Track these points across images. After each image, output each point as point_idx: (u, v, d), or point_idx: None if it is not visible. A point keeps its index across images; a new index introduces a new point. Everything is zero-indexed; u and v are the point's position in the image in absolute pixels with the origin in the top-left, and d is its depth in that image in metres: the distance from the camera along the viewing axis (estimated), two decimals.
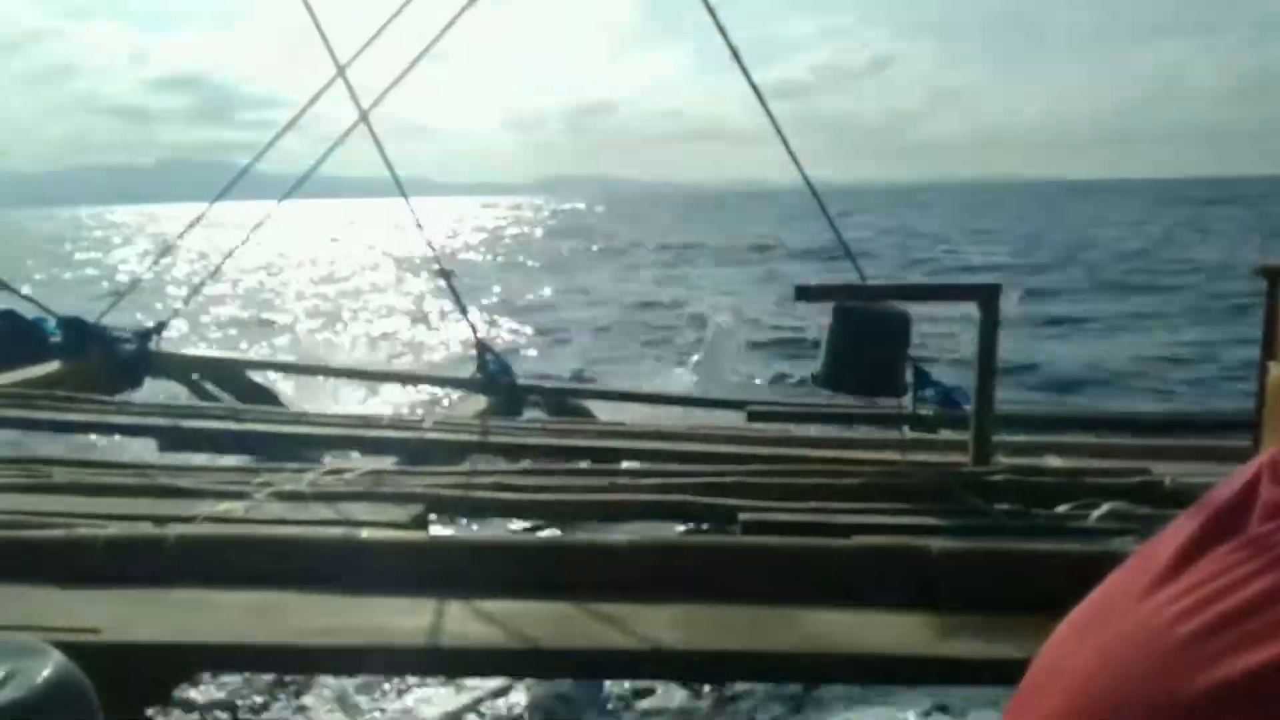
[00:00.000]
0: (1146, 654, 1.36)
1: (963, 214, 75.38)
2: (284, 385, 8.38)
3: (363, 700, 4.18)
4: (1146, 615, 1.40)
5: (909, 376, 4.98)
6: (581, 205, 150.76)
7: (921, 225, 58.22)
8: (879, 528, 3.56)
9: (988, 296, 4.19)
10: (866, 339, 4.36)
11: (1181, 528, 1.53)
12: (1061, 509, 3.70)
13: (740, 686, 4.17)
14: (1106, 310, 20.72)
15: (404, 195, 7.22)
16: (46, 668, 2.09)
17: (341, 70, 6.74)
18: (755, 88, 6.02)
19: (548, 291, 27.73)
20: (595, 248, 47.89)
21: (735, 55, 5.94)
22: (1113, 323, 19.04)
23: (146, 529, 3.53)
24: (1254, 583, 1.29)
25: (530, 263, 39.68)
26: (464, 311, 7.56)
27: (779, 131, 6.03)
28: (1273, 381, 3.84)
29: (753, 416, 6.30)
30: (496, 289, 27.58)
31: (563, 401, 7.38)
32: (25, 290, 7.95)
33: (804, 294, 4.46)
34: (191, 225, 7.32)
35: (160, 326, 7.60)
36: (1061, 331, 18.28)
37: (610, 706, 4.20)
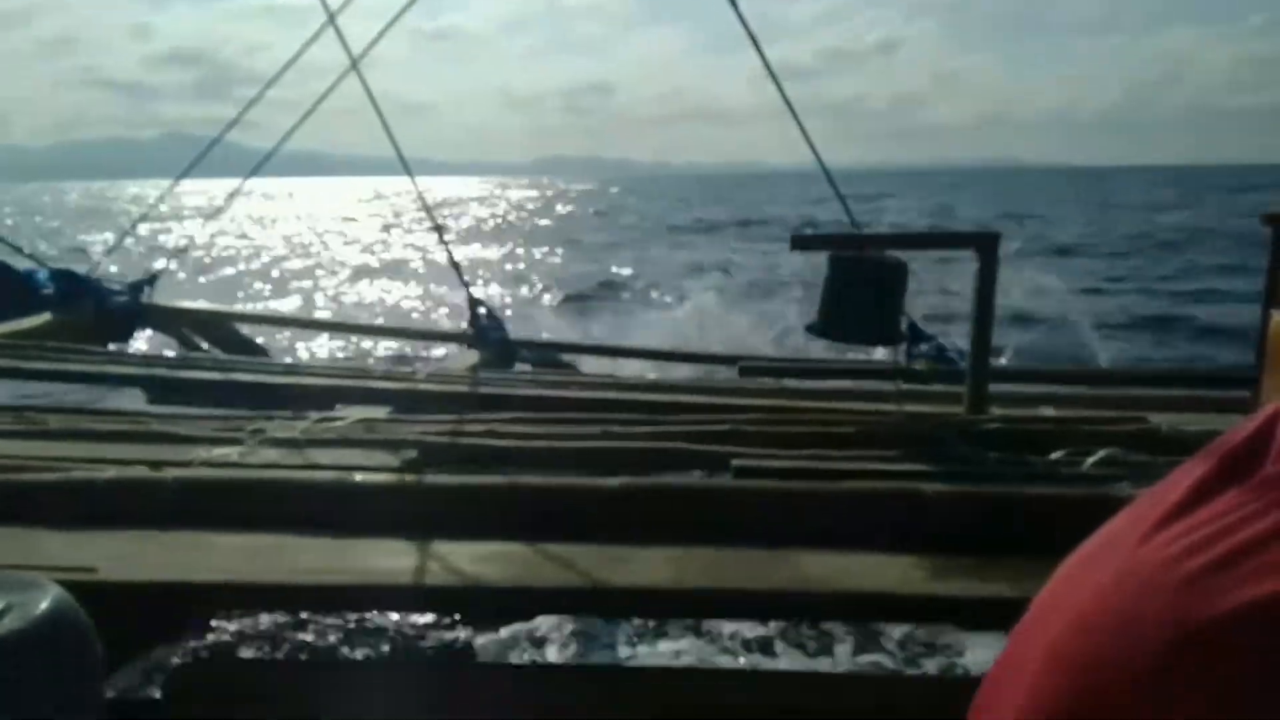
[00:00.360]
0: (1150, 590, 1.37)
1: (997, 197, 73.91)
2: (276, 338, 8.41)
3: (360, 638, 4.22)
4: (1152, 552, 1.42)
5: (904, 328, 5.00)
6: (592, 186, 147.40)
7: (962, 210, 57.17)
8: (872, 474, 3.59)
9: (985, 245, 4.20)
10: (862, 288, 4.38)
11: (1192, 469, 1.54)
12: (1056, 455, 3.72)
13: (731, 626, 4.21)
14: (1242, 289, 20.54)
15: (408, 171, 7.24)
16: (45, 600, 2.11)
17: (332, 18, 6.71)
18: (766, 62, 6.01)
19: (681, 267, 26.09)
20: (668, 224, 46.48)
21: (746, 27, 5.92)
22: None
23: (142, 472, 3.55)
24: (1264, 519, 1.30)
25: (610, 238, 38.53)
26: (455, 266, 7.55)
27: (791, 109, 6.01)
28: (1275, 329, 3.86)
29: (744, 372, 6.32)
30: (625, 266, 26.71)
31: (555, 357, 7.39)
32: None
33: (800, 244, 4.46)
34: (164, 194, 7.36)
35: (152, 279, 7.60)
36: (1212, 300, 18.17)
37: (600, 642, 4.25)
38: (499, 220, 55.31)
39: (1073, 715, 1.34)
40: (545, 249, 34.02)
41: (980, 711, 1.62)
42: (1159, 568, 1.38)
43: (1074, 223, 42.70)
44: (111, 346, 6.99)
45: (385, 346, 9.89)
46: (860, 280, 4.37)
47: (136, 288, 7.48)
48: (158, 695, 2.88)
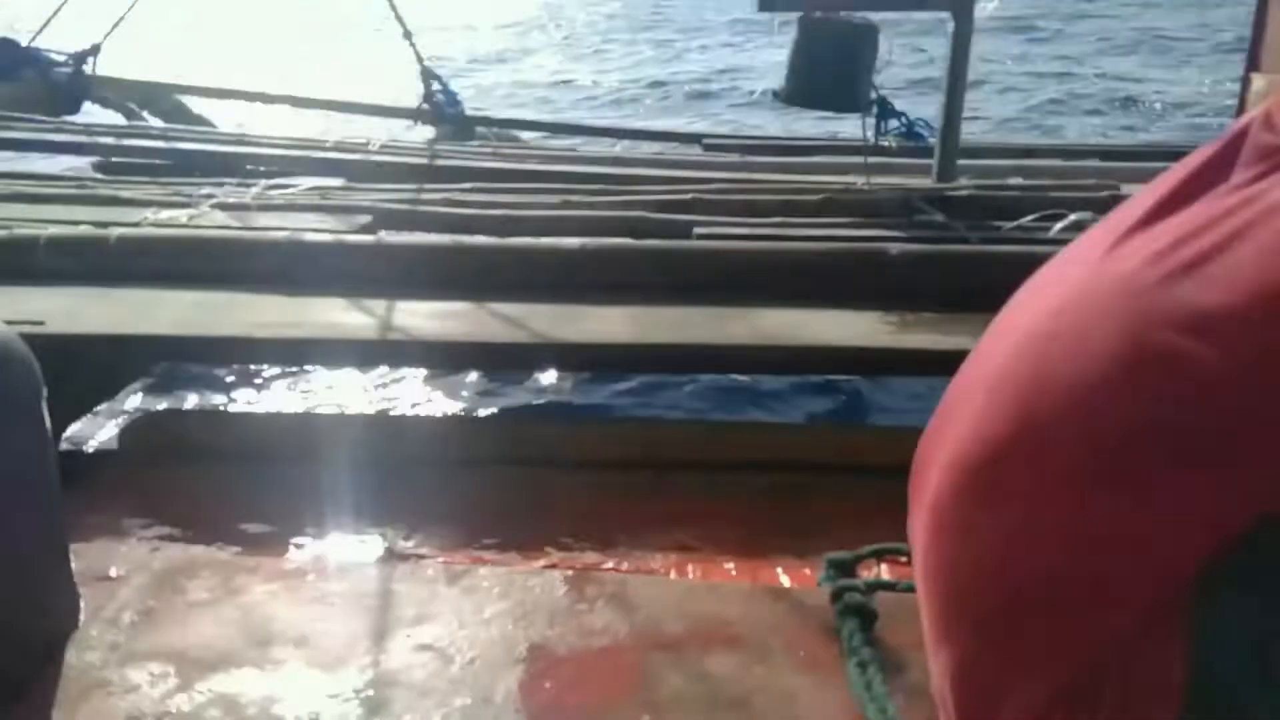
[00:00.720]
0: (1105, 303, 1.34)
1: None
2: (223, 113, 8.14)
3: (314, 391, 4.24)
4: (1110, 266, 1.38)
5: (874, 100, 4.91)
6: None
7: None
8: (838, 239, 3.56)
9: (961, 8, 4.08)
10: (832, 51, 4.27)
11: (1160, 184, 1.49)
12: (1025, 220, 3.68)
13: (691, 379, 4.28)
14: None
15: None
16: None
17: None
18: None
19: None
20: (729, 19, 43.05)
21: None
22: None
23: (88, 230, 3.49)
24: (1230, 221, 1.26)
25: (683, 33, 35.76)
26: (408, 35, 7.34)
27: None
28: (1255, 94, 3.81)
29: (708, 149, 6.24)
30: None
31: (514, 134, 7.26)
32: None
33: (768, 4, 4.33)
34: None
35: (95, 49, 7.34)
36: None
37: (559, 397, 4.31)
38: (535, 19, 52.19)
39: (1014, 440, 1.33)
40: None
41: (926, 448, 1.61)
42: (1116, 281, 1.34)
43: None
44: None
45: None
46: (828, 43, 4.26)
47: (80, 58, 7.23)
48: (114, 447, 2.89)
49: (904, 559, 1.98)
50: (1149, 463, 1.11)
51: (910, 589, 1.73)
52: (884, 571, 2.04)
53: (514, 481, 2.61)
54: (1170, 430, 1.11)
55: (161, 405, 3.84)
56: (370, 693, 1.63)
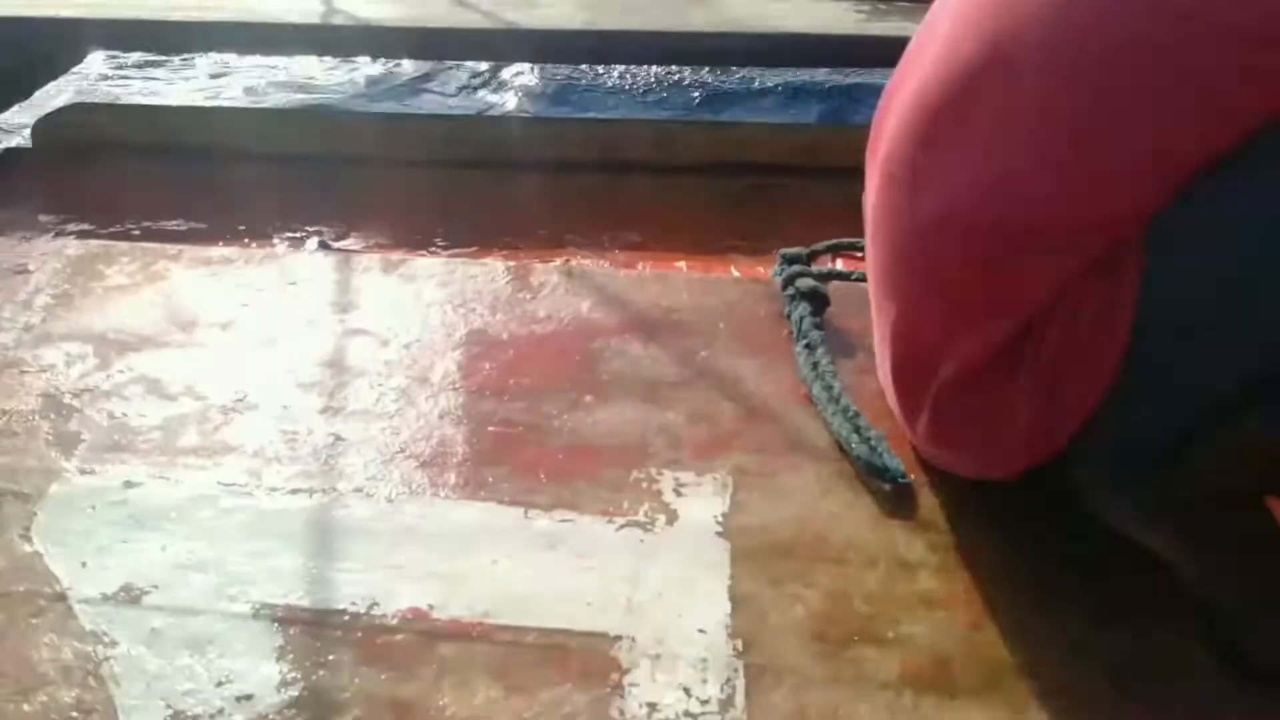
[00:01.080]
0: None
1: None
2: None
3: (238, 83, 4.17)
4: None
5: None
6: None
7: None
8: None
9: None
10: None
11: None
12: None
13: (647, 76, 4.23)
14: None
15: None
16: None
17: None
18: None
19: None
20: None
21: None
22: None
23: None
24: None
25: None
26: None
27: None
28: None
29: None
30: None
31: None
32: None
33: None
34: None
35: None
36: None
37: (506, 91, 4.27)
38: None
39: (977, 72, 1.30)
40: None
41: (884, 102, 1.58)
42: None
43: None
44: None
45: None
46: None
47: None
48: (26, 145, 2.84)
49: (859, 253, 1.99)
50: (1131, 84, 1.09)
51: (863, 279, 1.75)
52: (839, 266, 2.06)
53: (458, 181, 2.59)
54: (1158, 44, 1.08)
55: (74, 100, 3.74)
56: (300, 372, 1.66)
